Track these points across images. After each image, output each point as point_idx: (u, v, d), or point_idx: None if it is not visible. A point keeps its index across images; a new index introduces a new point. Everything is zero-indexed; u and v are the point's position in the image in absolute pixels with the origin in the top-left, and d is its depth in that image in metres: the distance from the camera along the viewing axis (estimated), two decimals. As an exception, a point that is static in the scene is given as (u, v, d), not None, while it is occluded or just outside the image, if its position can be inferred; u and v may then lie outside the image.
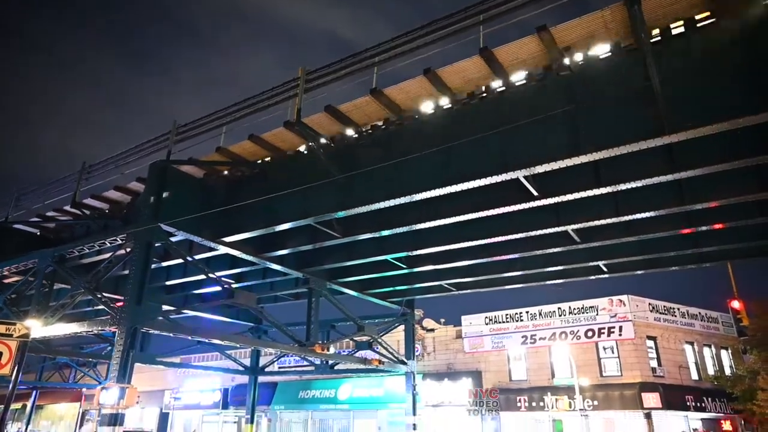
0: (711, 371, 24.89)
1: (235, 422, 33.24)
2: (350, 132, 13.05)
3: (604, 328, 23.99)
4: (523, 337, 25.83)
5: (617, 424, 22.67)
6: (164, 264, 19.01)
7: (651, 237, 14.49)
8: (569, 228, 13.99)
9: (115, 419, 12.01)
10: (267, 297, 24.25)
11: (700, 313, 26.19)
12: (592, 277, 18.94)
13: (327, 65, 12.25)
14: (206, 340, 17.22)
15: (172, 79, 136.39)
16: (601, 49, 10.14)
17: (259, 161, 14.68)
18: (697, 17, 9.30)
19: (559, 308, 25.39)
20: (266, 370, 28.10)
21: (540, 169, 10.59)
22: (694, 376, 24.37)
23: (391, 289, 21.50)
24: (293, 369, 30.67)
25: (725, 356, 26.11)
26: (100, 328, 14.11)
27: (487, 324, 27.17)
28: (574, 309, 24.94)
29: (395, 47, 11.07)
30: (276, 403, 32.24)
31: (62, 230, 20.15)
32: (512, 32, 10.24)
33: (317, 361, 25.12)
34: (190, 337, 16.01)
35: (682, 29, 9.42)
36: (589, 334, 24.23)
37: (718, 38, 9.04)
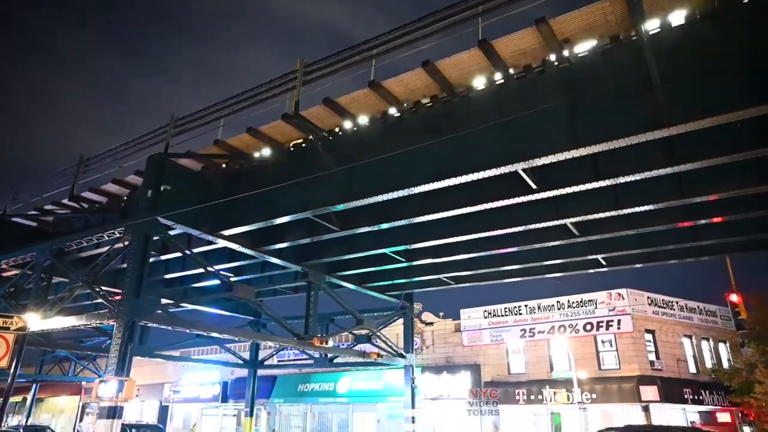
0: (709, 364, 24.98)
1: (234, 415, 33.39)
2: (348, 125, 12.99)
3: (602, 322, 24.04)
4: (521, 330, 25.89)
5: (615, 417, 22.76)
6: (163, 257, 19.00)
7: (650, 230, 14.49)
8: (568, 221, 13.98)
9: (114, 412, 12.02)
10: (266, 290, 24.25)
11: (698, 306, 26.24)
12: (591, 271, 18.95)
13: (325, 57, 12.19)
14: (205, 334, 17.25)
15: (172, 79, 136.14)
16: (601, 41, 10.07)
17: (257, 154, 14.63)
18: (697, 8, 9.23)
19: (557, 302, 25.43)
20: (265, 363, 28.17)
21: (539, 161, 10.55)
22: (692, 369, 24.47)
23: (390, 282, 21.50)
24: (292, 362, 30.74)
25: (723, 349, 26.20)
26: (98, 322, 14.12)
27: (485, 317, 27.22)
28: (573, 302, 24.98)
29: (393, 39, 11.00)
30: (275, 397, 32.37)
31: (60, 223, 20.12)
32: (512, 25, 10.18)
33: (316, 355, 25.18)
34: (188, 331, 16.03)
35: (682, 20, 9.35)
36: (588, 327, 24.28)
37: (717, 29, 8.98)
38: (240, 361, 27.53)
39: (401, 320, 25.17)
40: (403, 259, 18.50)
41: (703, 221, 13.55)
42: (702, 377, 24.12)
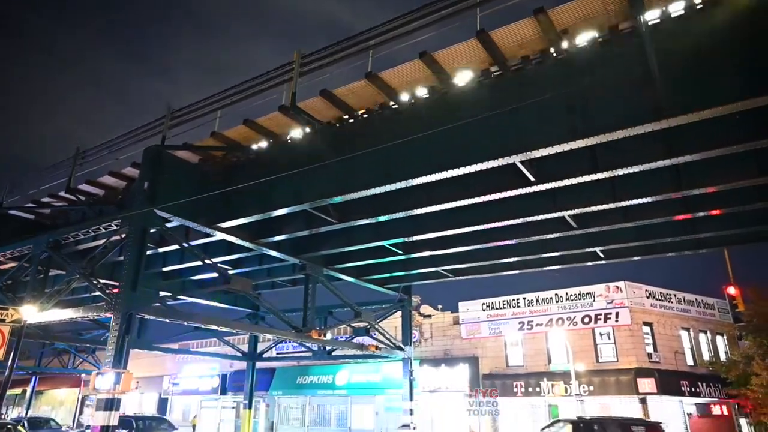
0: (706, 357, 25.06)
1: (233, 407, 33.49)
2: (346, 117, 12.91)
3: (600, 314, 24.08)
4: (520, 323, 25.93)
5: (613, 409, 22.86)
6: (161, 250, 18.96)
7: (648, 223, 14.45)
8: (566, 214, 13.93)
9: (111, 404, 12.03)
10: (264, 283, 24.25)
11: (696, 299, 26.28)
12: (589, 264, 18.94)
13: (322, 48, 12.10)
14: (203, 326, 17.25)
15: (171, 79, 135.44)
16: (600, 33, 9.98)
17: (255, 146, 14.55)
18: (697, -1, 9.15)
19: (556, 294, 25.46)
20: (264, 356, 28.22)
21: (537, 153, 10.49)
22: (690, 361, 24.55)
23: (388, 275, 21.50)
24: (291, 355, 30.82)
25: (720, 342, 26.28)
26: (95, 314, 14.09)
27: (484, 310, 27.26)
28: (571, 295, 25.00)
29: (391, 30, 10.91)
30: (274, 389, 32.46)
31: (58, 216, 20.05)
32: (510, 16, 10.09)
33: (315, 347, 25.21)
34: (186, 323, 16.03)
35: (681, 11, 9.26)
36: (586, 320, 24.33)
37: (717, 20, 8.89)
38: (239, 354, 27.57)
39: (399, 313, 25.21)
40: (401, 252, 18.47)
41: (701, 213, 13.51)
42: (699, 369, 24.20)
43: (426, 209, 13.71)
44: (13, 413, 43.07)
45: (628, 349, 23.08)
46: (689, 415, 22.91)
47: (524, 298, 26.31)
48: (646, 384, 21.74)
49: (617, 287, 24.06)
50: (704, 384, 23.41)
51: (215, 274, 18.55)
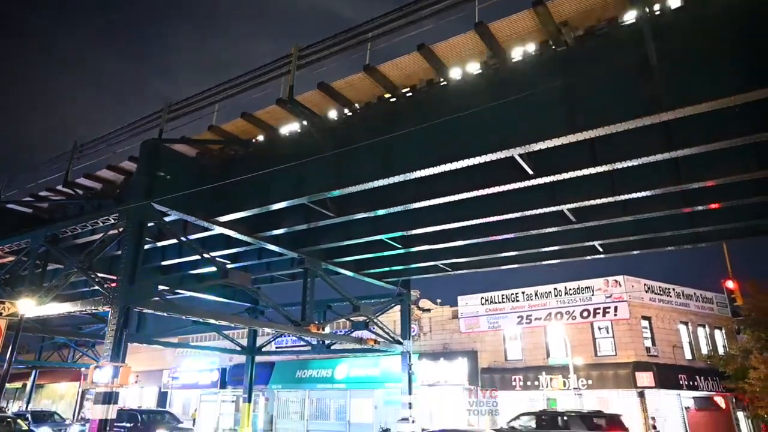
0: (704, 351, 25.11)
1: (233, 401, 33.59)
2: (344, 110, 12.85)
3: (599, 308, 24.10)
4: (518, 317, 25.97)
5: (611, 403, 22.93)
6: (159, 244, 18.94)
7: (647, 216, 14.42)
8: (565, 207, 13.91)
9: (110, 397, 12.03)
10: (263, 277, 24.26)
11: (695, 293, 26.31)
12: (588, 258, 18.93)
13: (320, 41, 12.02)
14: (201, 320, 17.25)
15: (171, 78, 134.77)
16: (599, 24, 9.91)
17: (253, 140, 14.50)
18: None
19: (555, 288, 25.47)
20: (263, 350, 28.29)
21: (535, 147, 10.44)
22: (688, 355, 24.60)
23: (387, 269, 21.49)
24: (290, 349, 30.87)
25: (719, 336, 26.33)
26: (93, 308, 14.08)
27: (483, 304, 27.28)
28: (570, 289, 25.02)
29: (389, 22, 10.83)
30: (273, 383, 32.54)
31: (56, 210, 20.01)
32: (509, 8, 10.01)
33: (314, 341, 25.27)
34: (184, 317, 16.03)
35: (680, 2, 9.19)
36: (585, 314, 24.35)
37: (717, 12, 8.82)
38: (238, 348, 27.61)
39: (398, 307, 25.22)
40: (400, 246, 18.45)
41: (700, 207, 13.48)
42: (697, 363, 24.26)
43: (425, 203, 13.68)
44: (14, 407, 43.23)
45: (626, 343, 23.12)
46: (687, 408, 22.99)
47: (523, 293, 26.33)
48: (644, 378, 21.79)
49: (616, 281, 24.07)
50: (702, 378, 23.47)
51: (214, 269, 18.52)
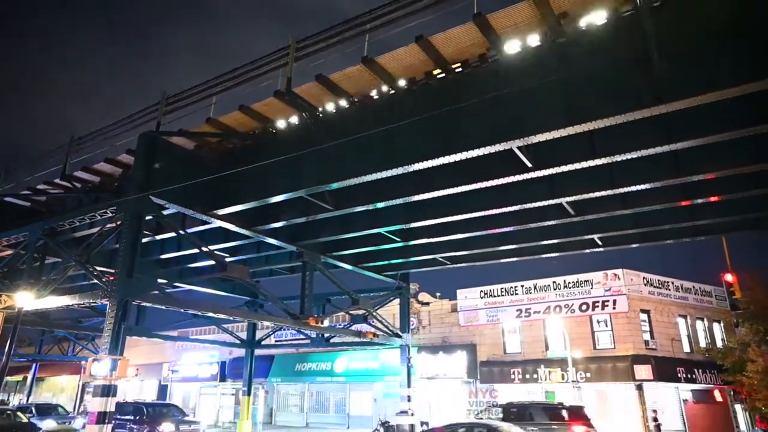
0: (703, 344, 25.16)
1: (232, 394, 33.70)
2: (342, 102, 12.78)
3: (598, 302, 24.13)
4: (517, 310, 26.00)
5: (609, 396, 23.02)
6: (158, 237, 18.90)
7: (646, 210, 14.40)
8: (563, 200, 13.87)
9: (108, 390, 12.04)
10: (262, 271, 24.24)
11: (694, 286, 26.32)
12: (587, 251, 18.91)
13: (317, 33, 11.94)
14: (200, 313, 17.25)
15: (169, 71, 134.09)
16: (599, 16, 9.83)
17: (251, 133, 14.43)
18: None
19: (554, 282, 25.48)
20: (263, 343, 28.34)
21: (534, 139, 10.39)
22: (686, 348, 24.64)
23: (386, 262, 21.48)
24: (289, 342, 30.92)
25: (717, 329, 26.37)
26: (91, 301, 14.08)
27: (482, 298, 27.30)
28: (569, 283, 25.03)
29: (387, 14, 10.74)
30: (273, 376, 32.63)
31: (54, 203, 19.97)
32: (509, 0, 9.91)
33: (313, 335, 25.29)
34: (183, 310, 16.03)
35: (681, -6, 9.11)
36: (584, 307, 24.38)
37: (718, 3, 8.74)
38: (237, 341, 27.67)
39: (397, 300, 25.24)
40: (399, 239, 18.42)
41: (700, 200, 13.45)
42: (695, 356, 24.32)
43: (424, 196, 13.64)
44: (15, 400, 43.40)
45: (625, 336, 23.16)
46: (685, 401, 23.07)
47: (522, 286, 26.34)
48: (643, 371, 21.84)
49: (615, 275, 24.07)
50: (700, 370, 23.53)
51: (213, 262, 18.52)
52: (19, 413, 20.37)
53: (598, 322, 24.06)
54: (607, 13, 9.72)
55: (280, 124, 13.89)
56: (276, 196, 14.03)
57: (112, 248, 19.85)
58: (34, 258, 17.39)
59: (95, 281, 14.32)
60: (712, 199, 13.35)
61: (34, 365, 38.36)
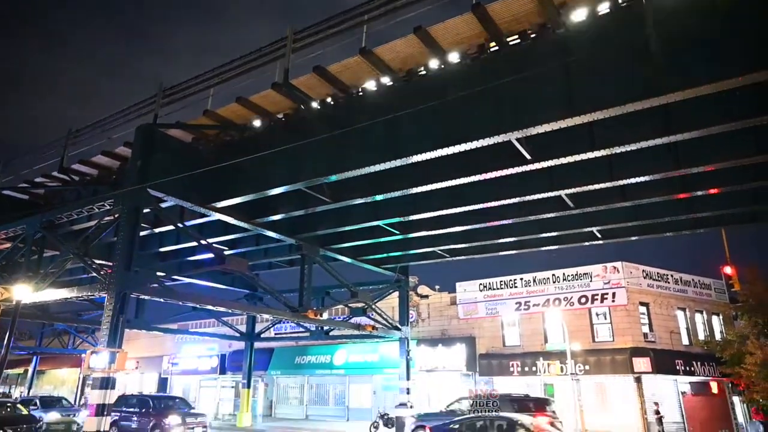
0: (701, 336, 25.19)
1: (232, 387, 33.80)
2: (341, 94, 12.70)
3: (597, 295, 24.13)
4: (516, 303, 26.01)
5: (608, 388, 23.08)
6: (157, 230, 18.87)
7: (645, 202, 14.35)
8: (563, 193, 13.84)
9: (107, 383, 12.06)
10: (261, 264, 24.24)
11: (693, 279, 26.32)
12: (586, 244, 18.89)
13: (315, 24, 11.86)
14: (198, 306, 17.26)
15: (167, 64, 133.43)
16: (600, 6, 9.74)
17: (248, 124, 14.36)
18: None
19: (553, 275, 25.47)
20: (262, 336, 28.41)
21: (533, 130, 10.34)
22: (685, 341, 24.67)
23: (385, 255, 21.47)
24: (289, 335, 30.98)
25: (716, 322, 26.38)
26: (89, 294, 14.08)
27: (481, 291, 27.31)
28: (568, 276, 25.02)
29: (385, 4, 10.65)
30: (272, 369, 32.71)
31: (52, 196, 19.95)
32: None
33: (312, 327, 25.34)
34: (181, 303, 16.03)
35: (682, -17, 9.01)
36: (583, 300, 24.39)
37: (719, -8, 8.66)
38: (237, 334, 27.73)
39: (397, 293, 25.28)
40: (398, 232, 18.40)
41: (699, 193, 13.41)
42: (694, 349, 24.35)
43: (423, 188, 13.60)
44: (16, 392, 43.57)
45: (624, 329, 23.18)
46: (683, 393, 23.13)
47: (521, 279, 26.34)
48: (641, 363, 21.88)
49: (614, 268, 24.06)
50: (699, 363, 23.57)
51: (212, 255, 18.52)
52: (19, 405, 20.42)
53: (597, 314, 24.07)
54: (609, 3, 9.64)
55: (278, 115, 13.82)
56: (274, 189, 13.99)
57: (111, 241, 19.85)
58: (33, 251, 17.37)
59: (94, 274, 14.32)
60: (712, 191, 13.31)
61: (34, 358, 38.49)
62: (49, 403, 25.06)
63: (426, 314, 29.01)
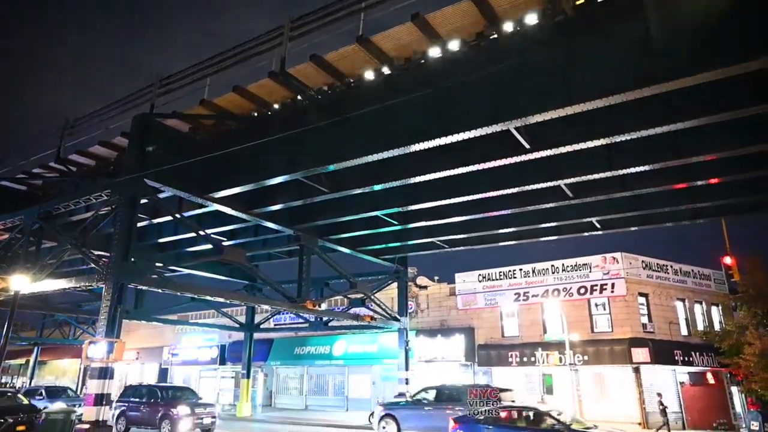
0: (700, 327, 25.21)
1: (232, 377, 33.94)
2: (338, 83, 12.58)
3: (596, 285, 24.11)
4: (516, 294, 26.01)
5: (606, 378, 23.14)
6: (155, 221, 18.84)
7: (645, 192, 14.28)
8: (562, 183, 13.77)
9: (105, 373, 12.07)
10: (260, 255, 24.26)
11: (693, 270, 26.29)
12: (586, 234, 18.85)
13: (312, 12, 11.73)
14: (197, 296, 17.26)
15: (165, 55, 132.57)
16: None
17: (246, 115, 14.25)
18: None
19: (552, 266, 25.44)
20: (261, 327, 28.46)
21: (532, 119, 10.24)
22: (684, 331, 24.69)
23: (384, 246, 21.44)
24: (288, 326, 31.04)
25: (715, 312, 26.39)
26: (87, 284, 14.06)
27: (480, 281, 27.30)
28: (567, 266, 24.99)
29: (383, -9, 10.52)
30: (272, 359, 32.81)
31: (51, 187, 19.88)
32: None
33: (312, 318, 25.39)
34: (179, 294, 16.02)
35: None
36: (582, 291, 24.38)
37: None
38: (236, 325, 27.78)
39: (396, 284, 25.28)
40: (397, 222, 18.36)
41: (699, 183, 13.34)
42: (693, 339, 24.38)
43: (421, 178, 13.54)
44: (18, 382, 43.81)
45: (622, 320, 23.20)
46: (682, 383, 23.19)
47: (520, 270, 26.31)
48: (640, 354, 21.90)
49: (614, 258, 24.02)
50: (697, 353, 23.60)
51: (210, 246, 18.50)
52: (19, 395, 20.48)
53: (596, 305, 24.07)
54: (608, -11, 9.51)
55: (276, 105, 13.71)
56: (272, 179, 13.92)
57: (110, 232, 19.83)
58: (31, 242, 17.34)
59: (93, 265, 14.30)
60: (712, 181, 13.24)
61: (35, 349, 38.65)
62: (55, 393, 25.18)
63: (425, 305, 29.04)
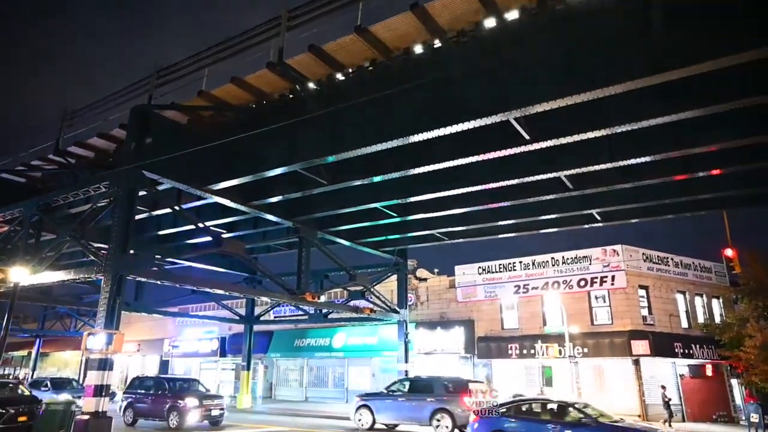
0: (701, 319, 25.21)
1: (232, 369, 34.06)
2: (337, 74, 12.48)
3: (596, 278, 24.09)
4: (515, 286, 26.00)
5: (606, 370, 23.17)
6: (155, 213, 18.79)
7: (646, 184, 14.19)
8: (562, 174, 13.68)
9: (104, 364, 12.09)
10: (260, 247, 24.25)
11: (693, 262, 26.24)
12: (586, 226, 18.77)
13: (310, 1, 11.60)
14: (197, 288, 17.26)
15: (163, 47, 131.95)
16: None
17: (244, 106, 14.17)
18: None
19: (552, 258, 25.41)
20: (261, 319, 28.52)
21: (532, 110, 10.15)
22: (684, 324, 24.69)
23: (383, 238, 21.39)
24: (288, 318, 31.10)
25: (716, 305, 26.37)
26: (86, 276, 14.05)
27: (480, 274, 27.30)
28: (568, 259, 24.96)
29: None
30: (272, 351, 32.92)
31: (50, 179, 19.84)
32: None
33: (311, 310, 25.42)
34: (179, 285, 16.02)
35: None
36: (582, 283, 24.36)
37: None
38: (236, 317, 27.82)
39: (395, 276, 25.27)
40: (396, 214, 18.30)
41: (700, 174, 13.24)
42: (693, 332, 24.38)
43: (421, 169, 13.47)
44: (20, 374, 44.02)
45: (622, 312, 23.18)
46: (681, 376, 23.22)
47: (520, 262, 26.29)
48: (640, 346, 21.91)
49: (614, 251, 23.98)
50: (697, 346, 23.62)
51: (209, 238, 18.47)
52: (21, 386, 20.57)
53: (596, 297, 24.06)
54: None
55: (274, 95, 13.62)
56: (271, 171, 13.86)
57: (109, 224, 19.82)
58: (30, 234, 17.33)
59: (92, 257, 14.29)
60: (714, 172, 13.14)
61: (37, 340, 38.82)
62: (60, 384, 25.29)
63: (425, 297, 29.07)
